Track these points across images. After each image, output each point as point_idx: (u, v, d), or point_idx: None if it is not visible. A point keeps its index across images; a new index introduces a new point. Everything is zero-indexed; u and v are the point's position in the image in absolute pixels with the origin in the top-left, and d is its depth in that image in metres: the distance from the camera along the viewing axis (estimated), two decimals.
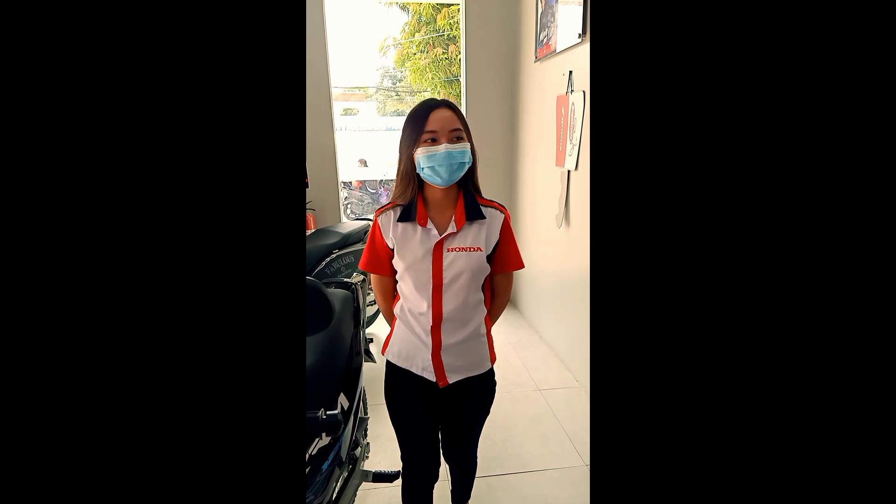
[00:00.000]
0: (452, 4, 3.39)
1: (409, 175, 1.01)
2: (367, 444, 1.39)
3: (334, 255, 2.46)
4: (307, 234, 2.65)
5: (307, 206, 2.78)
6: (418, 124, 0.97)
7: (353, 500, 1.21)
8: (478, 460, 1.30)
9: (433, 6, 7.79)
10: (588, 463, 1.79)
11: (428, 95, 12.35)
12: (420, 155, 0.97)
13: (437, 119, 0.96)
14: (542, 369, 2.48)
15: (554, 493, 1.64)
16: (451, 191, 1.03)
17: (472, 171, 1.04)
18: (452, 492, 1.37)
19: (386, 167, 11.05)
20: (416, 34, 8.37)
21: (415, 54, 8.80)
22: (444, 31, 7.93)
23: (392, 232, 1.03)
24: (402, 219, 1.03)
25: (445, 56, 8.09)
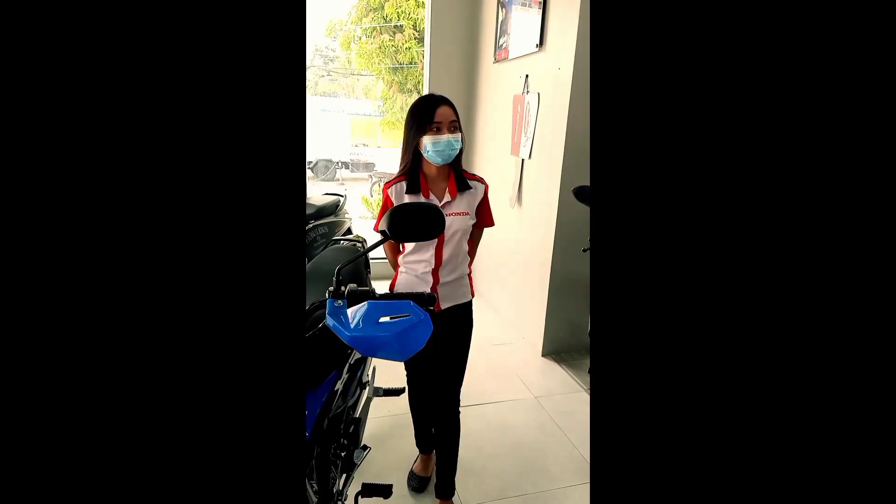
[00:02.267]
0: (419, 4, 3.61)
1: (412, 153, 1.30)
2: (375, 369, 1.69)
3: (311, 225, 2.67)
4: None
5: None
6: (427, 115, 1.26)
7: (368, 411, 1.52)
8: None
9: None
10: (535, 395, 2.23)
11: (371, 79, 12.30)
12: (427, 141, 1.26)
13: (441, 113, 1.26)
14: (494, 329, 2.90)
15: (510, 417, 2.06)
16: (444, 169, 1.33)
17: (461, 152, 1.33)
18: (437, 485, 1.53)
19: (318, 150, 10.84)
20: (364, 19, 8.41)
21: (360, 38, 8.83)
22: (391, 20, 8.06)
23: (401, 202, 1.31)
24: (409, 191, 1.32)
25: (392, 43, 8.23)
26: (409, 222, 0.90)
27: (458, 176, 1.35)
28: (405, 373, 1.56)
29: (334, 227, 2.85)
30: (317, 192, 3.21)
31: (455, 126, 1.28)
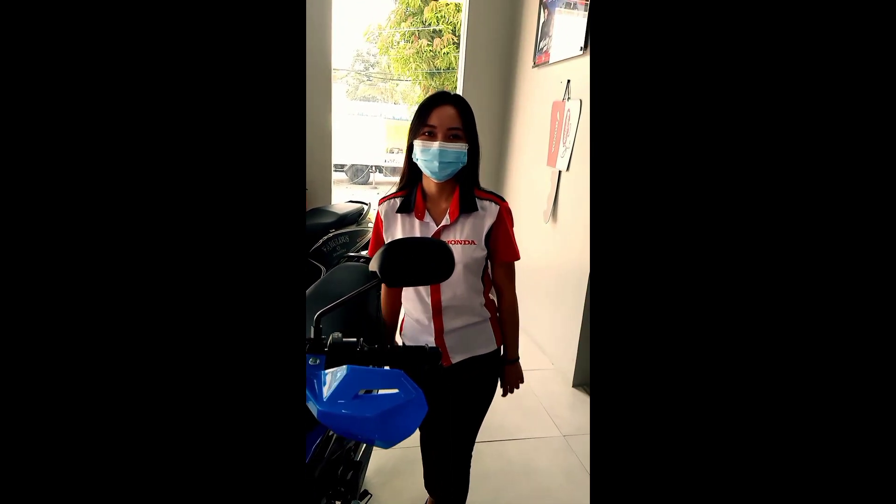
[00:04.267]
0: (458, 8, 3.48)
1: (409, 162, 1.06)
2: None
3: (331, 235, 2.55)
4: (305, 212, 2.73)
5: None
6: (422, 116, 1.01)
7: (370, 454, 1.35)
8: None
9: None
10: (564, 434, 2.00)
11: (408, 84, 12.32)
12: (417, 146, 1.01)
13: (439, 115, 0.99)
14: (522, 353, 2.68)
15: (535, 458, 1.84)
16: (448, 184, 1.05)
17: (473, 166, 1.06)
18: None
19: (353, 154, 10.89)
20: (402, 24, 8.38)
21: (398, 42, 8.80)
22: (429, 24, 7.99)
23: (391, 225, 1.08)
24: (401, 209, 1.07)
25: (430, 48, 8.15)
26: (407, 262, 0.71)
27: (465, 194, 1.05)
28: None
29: (356, 236, 2.72)
30: (341, 200, 3.11)
31: (455, 134, 0.99)
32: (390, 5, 8.44)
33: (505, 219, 1.07)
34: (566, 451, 1.91)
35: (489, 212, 1.06)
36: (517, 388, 1.24)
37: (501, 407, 2.14)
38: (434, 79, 8.63)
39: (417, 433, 1.42)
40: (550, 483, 1.72)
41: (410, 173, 1.07)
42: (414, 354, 0.65)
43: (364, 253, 1.93)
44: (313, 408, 0.58)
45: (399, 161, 12.24)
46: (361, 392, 0.56)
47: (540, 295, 2.71)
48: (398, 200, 1.08)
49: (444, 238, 1.04)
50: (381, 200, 1.11)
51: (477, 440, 1.32)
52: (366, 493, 1.29)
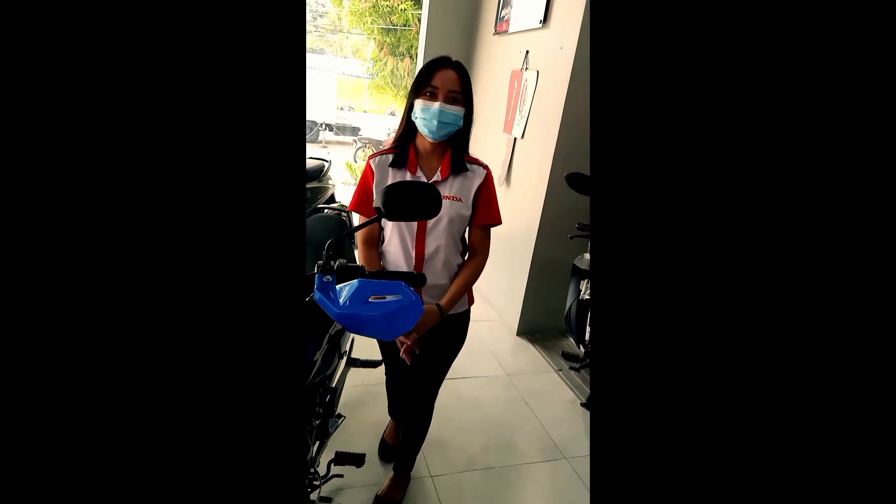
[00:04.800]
0: None
1: (407, 120, 1.13)
2: (353, 339, 1.68)
3: None
4: None
5: None
6: (424, 77, 1.09)
7: (344, 381, 1.51)
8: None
9: None
10: (507, 373, 2.27)
11: (361, 39, 11.82)
12: (418, 105, 1.09)
13: (441, 77, 1.07)
14: (473, 306, 2.92)
15: (482, 393, 2.10)
16: (441, 145, 1.14)
17: (466, 131, 1.15)
18: (396, 460, 1.48)
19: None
20: None
21: None
22: None
23: (384, 177, 1.14)
24: (394, 164, 1.14)
25: (387, 4, 7.88)
26: (403, 200, 0.85)
27: (455, 156, 1.15)
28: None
29: (317, 192, 2.76)
30: None
31: (455, 97, 1.08)
32: None
33: (490, 183, 1.18)
34: (509, 386, 2.18)
35: (477, 174, 1.17)
36: (414, 335, 1.15)
37: None
38: (390, 35, 8.39)
39: (383, 370, 1.60)
40: (495, 411, 1.98)
41: (406, 131, 1.15)
42: (405, 276, 0.80)
43: (334, 205, 2.02)
44: (331, 310, 0.73)
45: (349, 119, 11.89)
46: (371, 298, 0.72)
47: (491, 253, 2.92)
48: (391, 156, 1.15)
49: None
50: (372, 156, 1.18)
51: None
52: (340, 415, 1.46)
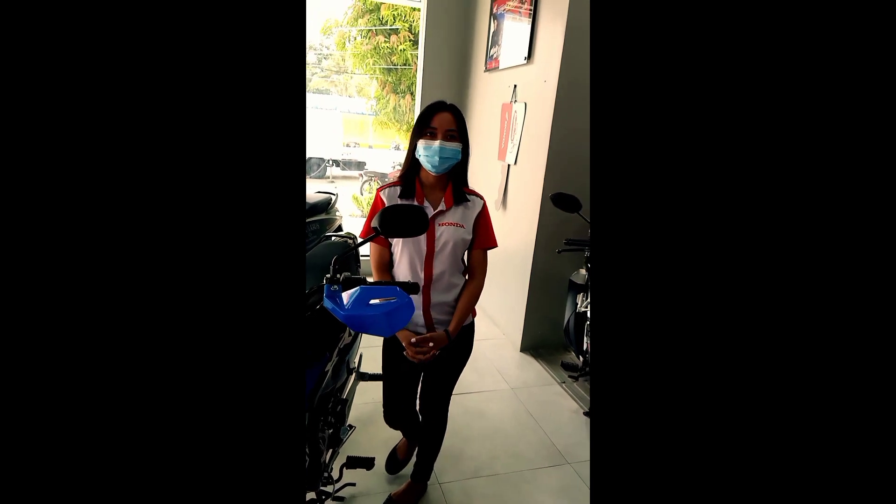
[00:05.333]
0: (415, 8, 3.73)
1: (411, 158, 1.31)
2: (361, 355, 1.81)
3: None
4: None
5: None
6: (424, 120, 1.25)
7: (354, 394, 1.63)
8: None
9: None
10: (512, 387, 2.36)
11: (364, 78, 12.39)
12: (420, 144, 1.25)
13: (439, 119, 1.24)
14: (478, 325, 3.03)
15: (487, 406, 2.19)
16: (442, 178, 1.29)
17: (464, 164, 1.31)
18: (414, 468, 1.57)
19: (309, 147, 10.84)
20: (359, 20, 8.51)
21: (355, 38, 8.92)
22: (386, 22, 8.18)
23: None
24: (402, 195, 1.29)
25: (387, 45, 8.34)
26: (396, 220, 1.01)
27: (456, 188, 1.31)
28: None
29: (325, 224, 2.95)
30: (309, 190, 3.31)
31: (452, 135, 1.24)
32: (347, 1, 8.55)
33: (486, 212, 1.35)
34: (513, 399, 2.27)
35: (476, 204, 1.34)
36: (424, 355, 1.26)
37: None
38: (391, 74, 8.84)
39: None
40: (500, 424, 2.07)
41: (410, 167, 1.32)
42: (399, 284, 0.94)
43: (341, 233, 2.19)
44: (338, 314, 0.87)
45: (355, 155, 12.32)
46: (371, 301, 0.86)
47: (492, 274, 3.05)
48: (398, 188, 1.31)
49: (440, 221, 1.29)
50: (381, 188, 1.34)
51: None
52: (351, 425, 1.57)
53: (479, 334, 2.93)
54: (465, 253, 1.37)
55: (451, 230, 1.29)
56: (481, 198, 1.37)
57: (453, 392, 1.50)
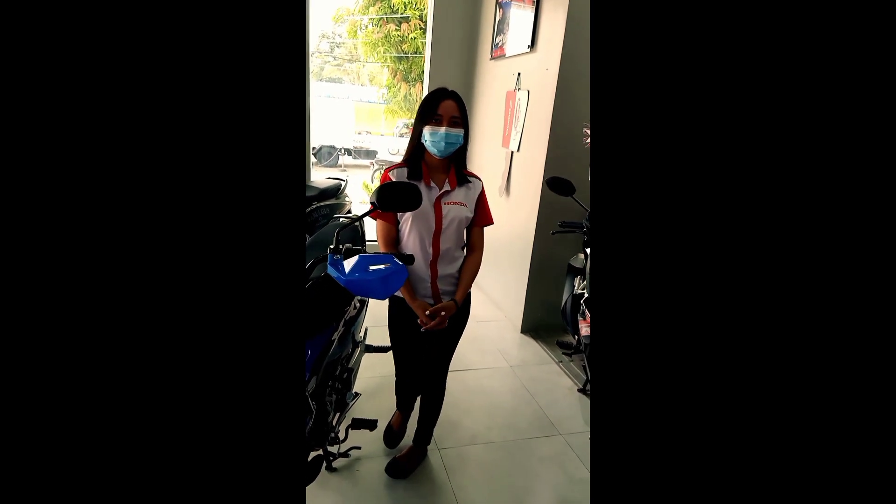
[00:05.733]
0: None
1: (416, 142, 1.40)
2: (367, 329, 1.93)
3: (314, 206, 2.90)
4: None
5: None
6: (431, 107, 1.34)
7: (359, 364, 1.76)
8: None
9: None
10: (511, 365, 2.47)
11: (376, 66, 12.44)
12: (427, 130, 1.34)
13: (444, 107, 1.33)
14: (480, 308, 3.15)
15: (487, 383, 2.30)
16: (444, 161, 1.40)
17: (464, 148, 1.41)
18: (416, 432, 1.70)
19: (322, 136, 10.92)
20: (371, 8, 8.55)
21: (366, 26, 8.97)
22: (397, 10, 8.20)
23: None
24: (410, 177, 1.38)
25: (398, 33, 8.38)
26: (392, 196, 1.12)
27: (458, 170, 1.43)
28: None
29: (335, 209, 3.07)
30: (320, 177, 3.44)
31: (456, 121, 1.34)
32: None
33: (484, 192, 1.49)
34: (512, 376, 2.38)
35: (476, 186, 1.47)
36: (438, 323, 1.40)
37: (463, 348, 2.59)
38: (402, 62, 8.88)
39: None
40: (498, 397, 2.18)
41: (415, 151, 1.41)
42: (396, 255, 1.05)
43: (349, 215, 2.31)
44: (340, 279, 0.98)
45: (367, 143, 12.43)
46: (369, 268, 0.97)
47: (494, 259, 3.16)
48: (405, 170, 1.41)
49: (446, 200, 1.40)
50: (389, 168, 1.43)
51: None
52: (356, 393, 1.70)
53: (482, 316, 3.06)
54: (465, 230, 1.49)
55: (456, 208, 1.41)
56: (480, 180, 1.50)
57: (455, 368, 1.59)
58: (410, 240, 1.42)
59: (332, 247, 1.06)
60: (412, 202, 1.13)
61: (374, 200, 1.11)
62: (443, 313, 1.40)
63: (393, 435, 1.85)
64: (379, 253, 1.05)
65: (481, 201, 1.46)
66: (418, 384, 1.69)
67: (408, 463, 1.70)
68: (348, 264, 0.99)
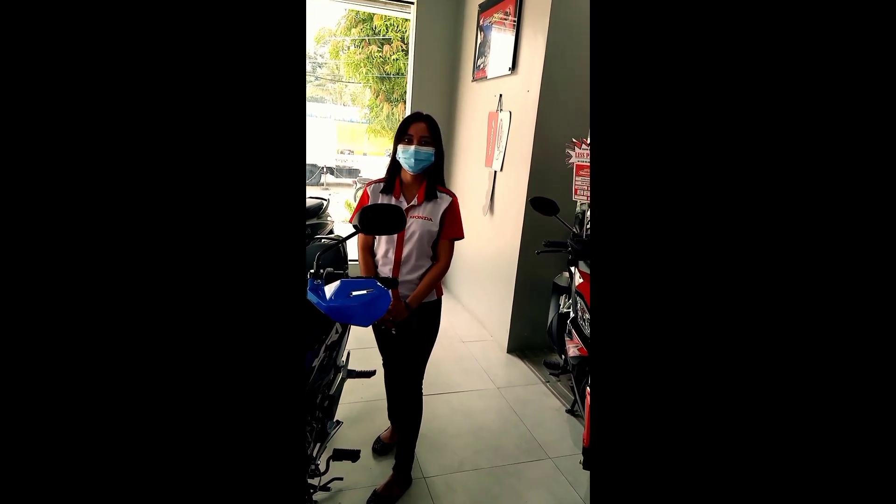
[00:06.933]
0: (406, 19, 3.83)
1: (393, 160, 1.53)
2: (349, 353, 1.87)
3: None
4: None
5: None
6: (404, 128, 1.48)
7: (341, 391, 1.70)
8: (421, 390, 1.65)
9: None
10: (497, 386, 2.43)
11: (358, 87, 12.52)
12: (400, 148, 1.48)
13: (415, 128, 1.47)
14: (465, 328, 3.11)
15: (474, 404, 2.26)
16: (418, 177, 1.51)
17: (438, 166, 1.52)
18: (396, 459, 1.67)
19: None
20: (353, 29, 8.65)
21: (348, 48, 9.05)
22: (379, 32, 8.31)
23: (375, 201, 1.52)
24: (384, 191, 1.53)
25: (380, 54, 8.47)
26: (376, 218, 1.10)
27: (429, 186, 1.52)
28: (380, 358, 1.75)
29: (317, 228, 3.02)
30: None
31: (426, 140, 1.46)
32: (340, 11, 8.68)
33: (454, 207, 1.54)
34: (499, 398, 2.34)
35: (444, 200, 1.53)
36: (390, 321, 1.48)
37: (448, 369, 2.55)
38: (384, 83, 8.95)
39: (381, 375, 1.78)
40: (485, 420, 2.14)
41: (392, 168, 1.54)
42: (379, 279, 1.02)
43: (331, 235, 2.27)
44: (320, 305, 0.94)
45: (350, 162, 12.44)
46: (351, 294, 0.94)
47: (479, 278, 3.14)
48: (381, 185, 1.54)
49: (411, 214, 1.49)
50: (368, 184, 1.56)
51: (426, 393, 1.68)
52: (338, 421, 1.63)
53: (467, 336, 3.02)
54: (433, 243, 1.55)
55: (419, 222, 1.49)
56: (451, 195, 1.55)
57: (441, 391, 1.57)
58: (381, 246, 1.55)
59: (311, 271, 1.02)
60: (396, 224, 1.12)
61: (356, 224, 1.08)
62: (390, 318, 1.47)
63: (382, 444, 1.86)
64: (360, 277, 1.02)
65: (449, 215, 1.52)
66: (397, 394, 1.72)
67: (391, 493, 1.63)
68: (329, 290, 0.96)
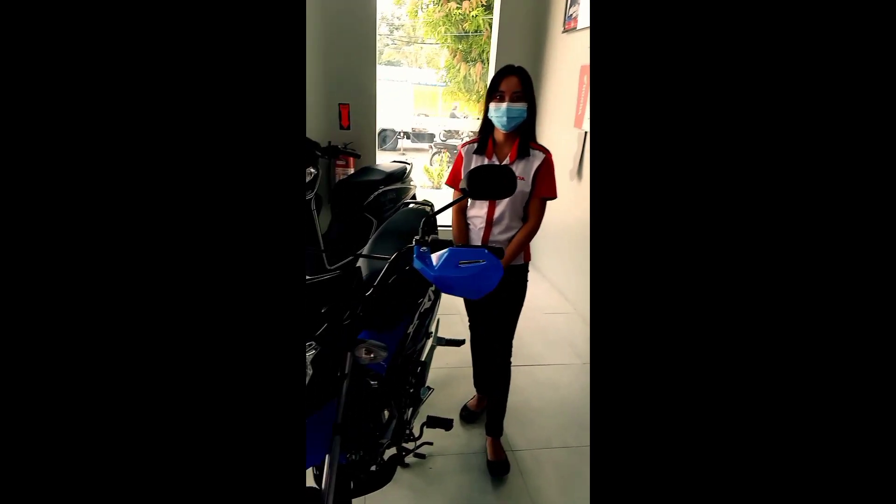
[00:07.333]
0: None
1: (485, 119, 1.46)
2: (439, 321, 1.88)
3: (381, 191, 2.88)
4: (356, 171, 3.08)
5: (350, 149, 3.15)
6: (495, 84, 1.41)
7: (431, 358, 1.71)
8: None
9: None
10: (583, 362, 2.33)
11: (434, 48, 12.28)
12: (492, 107, 1.41)
13: (506, 83, 1.38)
14: (547, 299, 3.01)
15: (559, 377, 2.19)
16: (511, 135, 1.45)
17: (531, 121, 1.44)
18: (487, 425, 1.71)
19: (382, 120, 11.03)
20: None
21: (427, 6, 8.80)
22: None
23: (470, 161, 1.51)
24: (477, 151, 1.49)
25: (459, 11, 8.14)
26: (485, 182, 1.03)
27: (522, 143, 1.45)
28: (468, 323, 1.73)
29: (402, 192, 3.04)
30: (385, 161, 3.41)
31: (518, 96, 1.37)
32: None
33: (549, 164, 1.46)
34: (584, 374, 2.24)
35: (537, 157, 1.45)
36: None
37: (529, 340, 2.49)
38: (462, 42, 8.64)
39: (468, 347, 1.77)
40: (571, 396, 2.06)
41: (485, 127, 1.48)
42: (488, 248, 0.95)
43: (418, 201, 2.25)
44: (428, 274, 0.90)
45: (426, 125, 12.41)
46: (459, 264, 0.88)
47: (562, 247, 2.99)
48: (475, 145, 1.50)
49: None
50: (463, 144, 1.53)
51: (512, 365, 1.65)
52: (429, 387, 1.65)
53: (549, 307, 2.91)
54: (526, 202, 1.50)
55: None
56: (545, 152, 1.47)
57: (524, 363, 1.53)
58: (474, 207, 1.53)
59: (417, 238, 0.98)
60: (507, 188, 1.05)
61: (464, 188, 1.02)
62: None
63: (469, 413, 1.89)
64: (468, 246, 0.96)
65: (542, 173, 1.44)
66: (485, 361, 1.74)
67: (500, 456, 1.66)
68: (436, 258, 0.91)
